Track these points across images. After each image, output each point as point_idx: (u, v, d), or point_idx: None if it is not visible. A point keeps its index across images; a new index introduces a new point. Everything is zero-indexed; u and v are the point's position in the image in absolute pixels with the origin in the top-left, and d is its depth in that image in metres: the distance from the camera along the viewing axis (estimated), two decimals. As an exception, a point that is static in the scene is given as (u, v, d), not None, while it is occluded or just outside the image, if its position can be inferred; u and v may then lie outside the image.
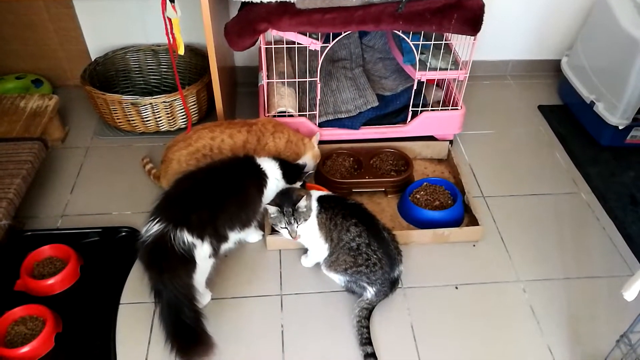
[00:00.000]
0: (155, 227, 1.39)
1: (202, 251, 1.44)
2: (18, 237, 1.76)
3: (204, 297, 1.58)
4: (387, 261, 1.52)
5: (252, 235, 1.77)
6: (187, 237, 1.39)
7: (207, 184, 1.52)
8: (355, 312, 1.54)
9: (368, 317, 1.53)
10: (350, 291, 1.61)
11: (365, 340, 1.47)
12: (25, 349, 1.41)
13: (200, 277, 1.47)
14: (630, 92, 2.03)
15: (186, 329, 1.35)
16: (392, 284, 1.57)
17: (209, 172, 1.59)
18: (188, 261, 1.39)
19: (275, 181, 1.66)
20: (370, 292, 1.54)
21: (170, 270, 1.36)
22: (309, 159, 1.92)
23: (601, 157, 2.19)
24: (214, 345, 1.38)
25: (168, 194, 1.51)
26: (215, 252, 1.51)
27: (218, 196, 1.50)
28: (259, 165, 1.64)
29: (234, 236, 1.58)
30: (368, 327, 1.50)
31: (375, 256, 1.51)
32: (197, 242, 1.42)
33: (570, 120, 2.39)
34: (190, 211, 1.43)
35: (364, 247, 1.51)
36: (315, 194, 1.63)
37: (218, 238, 1.50)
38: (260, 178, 1.63)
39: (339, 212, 1.56)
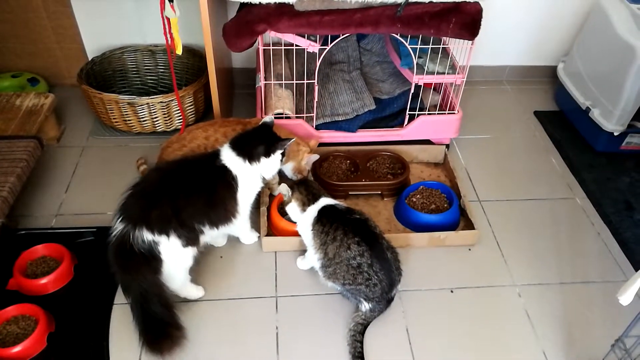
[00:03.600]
0: (118, 227, 1.40)
1: (170, 246, 1.42)
2: (12, 235, 1.75)
3: (190, 291, 1.58)
4: (388, 282, 1.50)
5: (245, 236, 1.76)
6: (147, 235, 1.38)
7: (172, 178, 1.48)
8: (350, 326, 1.53)
9: (362, 332, 1.51)
10: (346, 297, 1.61)
11: (358, 354, 1.46)
12: (17, 349, 1.40)
13: (174, 271, 1.46)
14: (625, 98, 2.04)
15: (155, 324, 1.38)
16: (387, 302, 1.56)
17: (176, 166, 1.56)
18: (151, 259, 1.38)
19: (242, 170, 1.56)
20: (365, 306, 1.53)
21: (132, 270, 1.37)
22: (289, 166, 1.90)
23: (596, 162, 2.20)
24: (182, 338, 1.41)
25: (132, 191, 1.47)
26: (191, 243, 1.48)
27: (182, 190, 1.46)
28: (222, 161, 1.56)
29: (211, 231, 1.54)
30: (362, 342, 1.49)
31: (376, 277, 1.48)
32: (161, 238, 1.40)
33: (566, 126, 2.40)
34: (150, 208, 1.40)
35: (366, 267, 1.48)
36: (321, 202, 1.61)
37: (188, 231, 1.46)
38: (225, 174, 1.54)
39: (340, 226, 1.52)
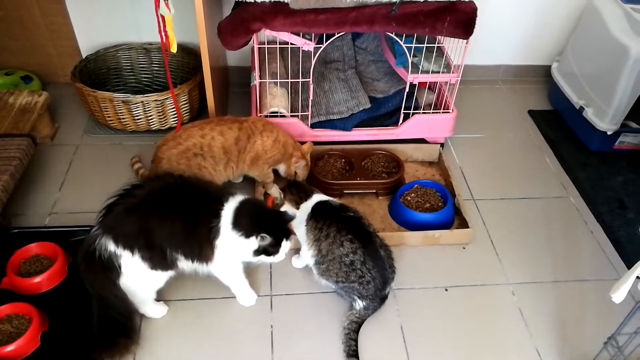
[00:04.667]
0: (94, 229, 1.39)
1: (133, 263, 1.38)
2: (5, 234, 1.74)
3: (149, 310, 1.54)
4: (381, 280, 1.50)
5: (239, 295, 1.60)
6: (110, 245, 1.35)
7: (159, 197, 1.41)
8: (345, 324, 1.53)
9: (357, 330, 1.52)
10: (340, 296, 1.61)
11: (353, 352, 1.47)
12: (10, 348, 1.39)
13: (133, 287, 1.43)
14: (619, 98, 2.05)
15: (106, 328, 1.40)
16: (381, 300, 1.56)
17: (171, 186, 1.45)
18: (110, 269, 1.37)
19: (228, 232, 1.41)
20: (359, 304, 1.53)
21: (92, 274, 1.38)
22: (282, 166, 1.91)
23: (590, 161, 2.21)
24: (130, 346, 1.42)
25: (117, 197, 1.42)
26: (160, 267, 1.42)
27: (163, 212, 1.38)
28: (219, 208, 1.42)
29: (185, 264, 1.45)
30: (356, 340, 1.49)
31: (369, 274, 1.48)
32: (123, 252, 1.36)
33: (560, 125, 2.41)
34: (122, 220, 1.37)
35: (359, 265, 1.48)
36: (314, 199, 1.62)
37: (158, 254, 1.39)
38: (211, 217, 1.41)
39: (333, 224, 1.52)
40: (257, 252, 1.43)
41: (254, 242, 1.41)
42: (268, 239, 1.41)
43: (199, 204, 1.42)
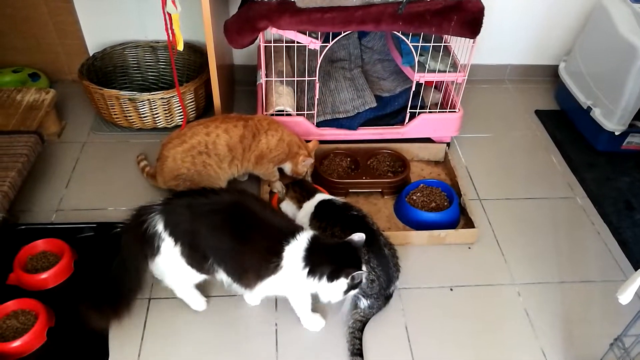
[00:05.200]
0: (155, 205, 1.41)
1: (171, 250, 1.38)
2: (12, 230, 1.75)
3: (188, 299, 1.55)
4: (385, 278, 1.50)
5: (304, 320, 1.53)
6: (159, 226, 1.37)
7: (224, 210, 1.39)
8: (349, 323, 1.53)
9: (361, 329, 1.51)
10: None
11: (357, 351, 1.46)
12: (16, 343, 1.40)
13: (167, 271, 1.45)
14: (627, 98, 2.04)
15: (105, 288, 1.41)
16: (386, 299, 1.56)
17: (238, 204, 1.41)
18: (149, 244, 1.38)
19: (294, 272, 1.35)
20: (364, 303, 1.53)
21: (131, 236, 1.40)
22: (288, 165, 1.90)
23: (597, 162, 2.20)
24: (111, 320, 1.43)
25: (192, 196, 1.43)
26: (196, 267, 1.42)
27: (219, 227, 1.37)
28: (282, 246, 1.35)
29: (225, 277, 1.43)
30: (360, 339, 1.49)
31: (374, 273, 1.48)
32: (167, 238, 1.37)
33: (567, 125, 2.40)
34: (181, 213, 1.38)
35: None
36: (318, 197, 1.61)
37: (196, 257, 1.40)
38: (273, 254, 1.36)
39: (337, 223, 1.52)
40: (347, 291, 1.36)
41: (343, 284, 1.33)
42: (359, 275, 1.33)
43: (260, 234, 1.37)
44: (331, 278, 1.33)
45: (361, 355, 1.46)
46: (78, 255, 1.69)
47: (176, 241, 1.38)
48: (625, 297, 1.17)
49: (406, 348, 1.51)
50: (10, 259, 1.62)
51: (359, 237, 1.36)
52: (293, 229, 1.38)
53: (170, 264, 1.41)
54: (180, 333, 1.52)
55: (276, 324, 1.55)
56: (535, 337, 1.56)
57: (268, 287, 1.40)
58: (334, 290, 1.35)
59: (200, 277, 1.47)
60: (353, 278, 1.32)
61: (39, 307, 1.49)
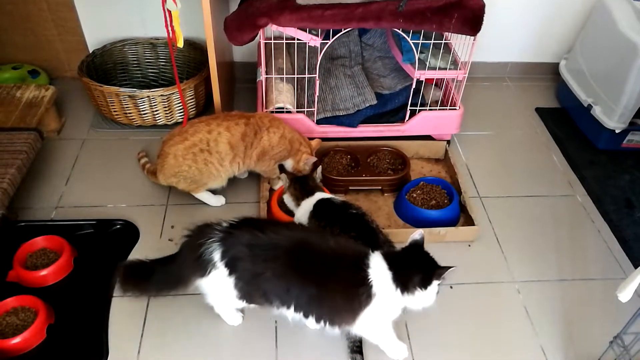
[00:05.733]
0: (220, 229, 1.32)
1: (223, 279, 1.32)
2: (11, 227, 1.75)
3: (225, 314, 1.52)
4: None
5: (390, 351, 1.48)
6: (216, 255, 1.30)
7: (295, 246, 1.31)
8: None
9: None
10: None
11: (357, 348, 1.46)
12: (16, 340, 1.40)
13: (212, 295, 1.42)
14: (627, 96, 2.03)
15: (153, 276, 1.41)
16: None
17: (301, 242, 1.33)
18: (201, 266, 1.32)
19: (387, 295, 1.29)
20: None
21: (187, 250, 1.37)
22: (289, 162, 1.90)
23: (597, 160, 2.19)
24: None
25: (256, 227, 1.32)
26: (246, 300, 1.38)
27: (294, 275, 1.30)
28: (365, 274, 1.28)
29: (285, 312, 1.35)
30: (360, 340, 1.48)
31: None
32: (222, 269, 1.30)
33: (568, 123, 2.40)
34: (241, 250, 1.30)
35: None
36: (317, 196, 1.61)
37: (251, 294, 1.35)
38: (361, 285, 1.28)
39: (337, 222, 1.51)
40: (437, 292, 1.31)
41: (435, 286, 1.29)
42: (447, 271, 1.28)
43: (335, 270, 1.29)
44: (425, 286, 1.28)
45: (361, 352, 1.46)
46: (78, 253, 1.69)
47: (232, 274, 1.31)
48: (625, 295, 1.17)
49: (406, 345, 1.50)
50: (10, 256, 1.62)
51: (419, 234, 1.34)
52: (363, 253, 1.31)
53: (218, 289, 1.37)
54: (180, 330, 1.52)
55: (276, 322, 1.55)
56: (535, 335, 1.56)
57: (373, 318, 1.32)
58: (429, 296, 1.29)
59: (245, 305, 1.42)
60: (444, 277, 1.28)
61: (38, 304, 1.49)
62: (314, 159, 1.87)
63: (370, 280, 1.27)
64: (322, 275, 1.29)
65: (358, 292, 1.27)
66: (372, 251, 1.32)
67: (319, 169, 1.75)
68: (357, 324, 1.33)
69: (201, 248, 1.32)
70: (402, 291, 1.28)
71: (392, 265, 1.29)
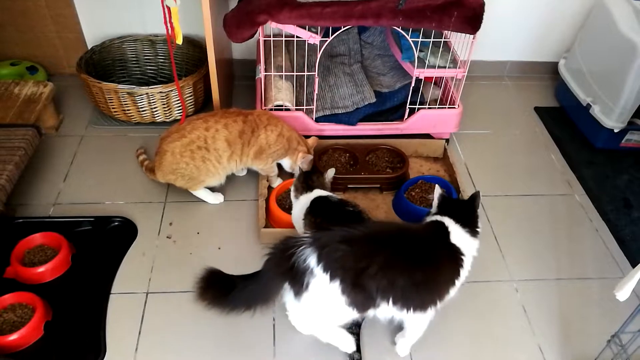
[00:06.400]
0: (307, 235, 1.28)
1: (325, 287, 1.23)
2: (9, 224, 1.74)
3: (334, 339, 1.42)
4: None
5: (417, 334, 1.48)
6: (312, 261, 1.22)
7: (386, 239, 1.29)
8: None
9: (359, 325, 1.51)
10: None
11: (355, 347, 1.46)
12: (13, 337, 1.40)
13: (316, 311, 1.32)
14: (626, 95, 2.03)
15: (217, 281, 1.31)
16: None
17: (394, 231, 1.35)
18: (296, 280, 1.24)
19: (471, 250, 1.39)
20: None
21: (274, 268, 1.27)
22: (287, 161, 1.90)
23: (596, 159, 2.20)
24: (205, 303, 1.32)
25: (343, 230, 1.29)
26: (357, 307, 1.28)
27: (393, 255, 1.27)
28: (451, 239, 1.36)
29: (390, 310, 1.30)
30: (358, 335, 1.49)
31: None
32: (322, 275, 1.22)
33: (566, 122, 2.40)
34: (338, 247, 1.23)
35: None
36: (315, 193, 1.61)
37: (359, 296, 1.26)
38: (455, 254, 1.36)
39: (333, 219, 1.51)
40: None
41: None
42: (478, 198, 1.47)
43: (433, 250, 1.34)
44: (475, 232, 1.42)
45: (359, 350, 1.46)
46: (75, 249, 1.69)
47: (334, 278, 1.22)
48: (622, 294, 1.17)
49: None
50: (8, 252, 1.61)
51: (438, 190, 1.48)
52: (437, 224, 1.39)
53: (322, 302, 1.27)
54: (178, 327, 1.52)
55: (274, 319, 1.55)
56: (533, 334, 1.56)
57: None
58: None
59: (355, 316, 1.33)
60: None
61: (36, 301, 1.48)
62: (310, 157, 1.87)
63: (456, 245, 1.35)
64: (424, 258, 1.31)
65: (456, 260, 1.34)
66: (444, 216, 1.40)
67: (331, 171, 1.72)
68: (452, 293, 1.37)
69: (292, 259, 1.22)
70: (474, 236, 1.40)
71: (458, 220, 1.39)
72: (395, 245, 1.28)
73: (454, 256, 1.35)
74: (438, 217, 1.41)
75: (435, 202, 1.48)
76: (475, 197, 1.47)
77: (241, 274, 1.65)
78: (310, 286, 1.23)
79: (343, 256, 1.22)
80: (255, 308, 1.30)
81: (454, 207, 1.44)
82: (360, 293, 1.25)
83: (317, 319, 1.37)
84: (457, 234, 1.37)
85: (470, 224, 1.41)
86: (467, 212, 1.43)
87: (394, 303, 1.28)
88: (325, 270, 1.21)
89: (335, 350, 1.47)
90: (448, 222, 1.39)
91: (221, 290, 1.30)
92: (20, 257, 1.63)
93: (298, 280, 1.23)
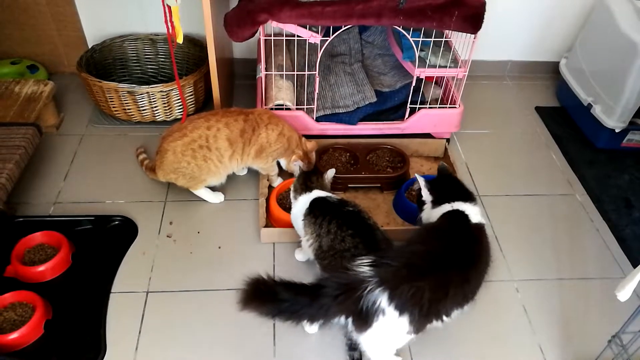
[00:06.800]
0: (363, 269, 1.23)
1: (393, 323, 1.22)
2: (9, 223, 1.74)
3: None
4: None
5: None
6: (383, 302, 1.20)
7: (437, 251, 1.30)
8: None
9: None
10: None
11: (355, 345, 1.45)
12: (14, 335, 1.40)
13: (378, 343, 1.31)
14: (627, 95, 2.03)
15: (264, 293, 1.24)
16: None
17: (436, 236, 1.39)
18: (364, 320, 1.22)
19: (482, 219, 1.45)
20: None
21: (343, 309, 1.23)
22: (284, 161, 1.90)
23: (597, 159, 2.19)
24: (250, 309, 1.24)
25: (400, 253, 1.31)
26: (416, 329, 1.27)
27: (442, 274, 1.27)
28: (476, 225, 1.41)
29: (453, 314, 1.33)
30: None
31: None
32: (392, 313, 1.21)
33: (567, 122, 2.39)
34: (407, 284, 1.21)
35: None
36: (314, 194, 1.61)
37: (426, 322, 1.28)
38: (482, 233, 1.41)
39: (333, 220, 1.51)
40: None
41: None
42: None
43: (469, 247, 1.36)
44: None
45: (359, 351, 1.46)
46: (76, 248, 1.68)
47: (404, 313, 1.22)
48: (623, 294, 1.17)
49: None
50: (8, 251, 1.61)
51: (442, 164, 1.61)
52: (458, 213, 1.43)
53: (386, 336, 1.28)
54: (178, 326, 1.51)
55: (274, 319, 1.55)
56: (533, 333, 1.56)
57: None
58: None
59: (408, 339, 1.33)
60: None
61: (36, 300, 1.48)
62: (300, 163, 1.83)
63: (478, 223, 1.42)
64: (470, 256, 1.34)
65: (484, 235, 1.40)
66: (451, 202, 1.45)
67: (331, 172, 1.72)
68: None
69: (360, 302, 1.20)
70: (475, 203, 1.48)
71: (463, 199, 1.46)
72: (449, 261, 1.29)
73: (483, 233, 1.41)
74: (447, 207, 1.45)
75: (426, 193, 1.53)
76: (443, 169, 1.58)
77: (240, 274, 1.65)
78: (375, 323, 1.22)
79: (414, 293, 1.21)
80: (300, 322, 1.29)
81: (449, 188, 1.51)
82: (428, 320, 1.28)
83: (379, 346, 1.35)
84: (472, 212, 1.43)
85: (469, 196, 1.49)
86: (459, 187, 1.52)
87: (448, 315, 1.31)
88: (397, 308, 1.21)
89: (334, 350, 1.47)
90: (459, 205, 1.44)
91: (267, 298, 1.24)
92: (20, 256, 1.63)
93: (364, 319, 1.22)
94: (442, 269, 1.27)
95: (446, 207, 1.45)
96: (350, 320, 1.25)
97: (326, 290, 1.21)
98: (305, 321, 1.29)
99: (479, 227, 1.42)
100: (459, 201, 1.46)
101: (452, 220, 1.43)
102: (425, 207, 1.55)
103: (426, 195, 1.53)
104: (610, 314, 1.61)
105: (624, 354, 1.29)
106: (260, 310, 1.24)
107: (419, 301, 1.22)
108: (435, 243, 1.35)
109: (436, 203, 1.49)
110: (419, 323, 1.26)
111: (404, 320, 1.23)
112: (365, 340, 1.30)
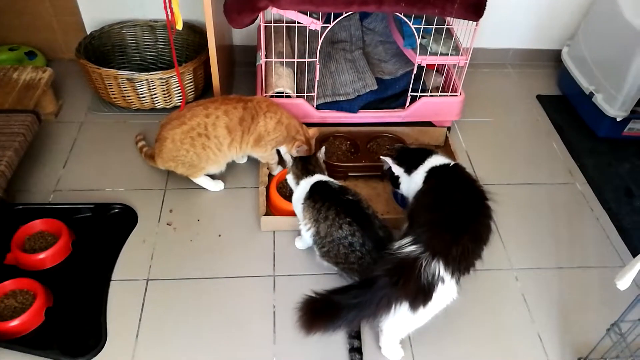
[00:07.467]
0: (409, 248, 1.26)
1: (446, 289, 1.26)
2: (9, 210, 1.74)
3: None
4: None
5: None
6: (440, 270, 1.23)
7: (458, 208, 1.37)
8: None
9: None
10: (343, 277, 1.61)
11: (355, 333, 1.46)
12: (14, 323, 1.40)
13: (428, 317, 1.32)
14: (630, 84, 2.02)
15: (318, 308, 1.25)
16: None
17: (456, 192, 1.46)
18: (425, 294, 1.24)
19: None
20: None
21: (405, 294, 1.23)
22: (284, 148, 1.89)
23: (598, 148, 2.19)
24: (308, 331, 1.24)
25: (433, 218, 1.35)
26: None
27: (471, 225, 1.34)
28: (454, 165, 1.55)
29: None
30: (359, 335, 1.48)
31: (369, 256, 1.47)
32: (447, 278, 1.25)
33: (569, 110, 2.38)
34: (452, 241, 1.27)
35: (358, 246, 1.47)
36: (315, 178, 1.61)
37: (468, 270, 1.34)
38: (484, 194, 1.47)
39: (332, 206, 1.51)
40: None
41: None
42: None
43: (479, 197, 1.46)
44: None
45: (359, 338, 1.46)
46: (76, 236, 1.68)
47: (454, 274, 1.26)
48: (623, 283, 1.17)
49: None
50: (8, 239, 1.61)
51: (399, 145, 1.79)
52: (455, 168, 1.57)
53: (440, 306, 1.30)
54: (178, 314, 1.52)
55: (274, 306, 1.55)
56: (532, 322, 1.57)
57: None
58: None
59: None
60: None
61: (37, 287, 1.49)
62: (305, 147, 1.84)
63: (455, 164, 1.57)
64: (473, 201, 1.44)
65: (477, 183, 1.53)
66: (422, 163, 1.57)
67: (323, 149, 1.74)
68: None
69: (421, 278, 1.22)
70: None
71: (430, 153, 1.62)
72: (465, 210, 1.38)
73: (464, 170, 1.59)
74: (422, 168, 1.56)
75: (396, 167, 1.66)
76: (400, 146, 1.78)
77: (240, 263, 1.66)
78: (435, 294, 1.25)
79: (462, 252, 1.27)
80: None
81: (412, 155, 1.65)
82: (467, 274, 1.33)
83: (399, 331, 1.40)
84: (443, 160, 1.58)
85: (430, 151, 1.65)
86: (419, 150, 1.68)
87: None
88: (453, 272, 1.26)
89: (335, 346, 1.47)
90: (430, 162, 1.57)
91: (329, 314, 1.23)
92: (20, 243, 1.63)
93: (425, 294, 1.24)
94: (467, 220, 1.35)
95: (422, 169, 1.56)
96: (407, 304, 1.24)
97: (383, 281, 1.22)
98: (365, 322, 1.33)
99: (458, 166, 1.56)
100: (427, 159, 1.58)
101: (437, 176, 1.53)
102: (401, 180, 1.67)
103: (397, 169, 1.66)
104: (609, 302, 1.61)
105: (623, 342, 1.30)
106: (326, 327, 1.23)
107: (466, 257, 1.29)
108: (444, 202, 1.41)
109: (409, 170, 1.62)
110: (460, 277, 1.31)
111: (454, 283, 1.28)
112: (421, 316, 1.29)
